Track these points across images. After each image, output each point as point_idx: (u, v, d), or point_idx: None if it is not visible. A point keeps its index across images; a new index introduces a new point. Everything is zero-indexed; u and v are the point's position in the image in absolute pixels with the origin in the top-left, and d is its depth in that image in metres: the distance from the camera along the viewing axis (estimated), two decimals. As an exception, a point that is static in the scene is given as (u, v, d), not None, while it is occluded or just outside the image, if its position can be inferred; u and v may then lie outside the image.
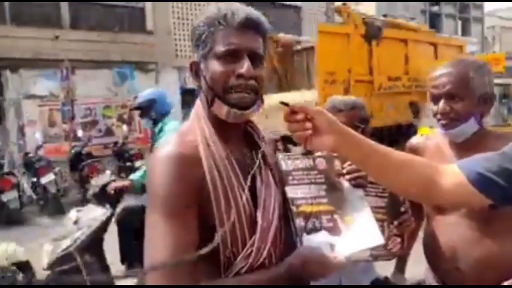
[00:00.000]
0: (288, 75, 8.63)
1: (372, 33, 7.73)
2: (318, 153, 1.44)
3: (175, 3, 12.71)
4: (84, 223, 2.97)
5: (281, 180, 1.23)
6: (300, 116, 1.04)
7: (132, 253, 3.52)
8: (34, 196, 8.20)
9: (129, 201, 3.59)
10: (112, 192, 3.27)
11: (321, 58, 7.24)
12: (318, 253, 1.07)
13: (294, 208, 1.26)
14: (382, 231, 1.38)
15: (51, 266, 2.75)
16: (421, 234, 1.81)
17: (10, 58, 10.04)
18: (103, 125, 11.55)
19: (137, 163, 8.72)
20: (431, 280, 1.68)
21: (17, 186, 7.61)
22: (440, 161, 1.37)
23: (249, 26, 1.07)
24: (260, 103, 1.12)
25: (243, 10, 1.07)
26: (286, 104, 1.06)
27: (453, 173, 1.11)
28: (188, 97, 11.70)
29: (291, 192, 1.30)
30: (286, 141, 3.01)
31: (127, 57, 11.63)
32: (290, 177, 1.38)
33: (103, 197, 3.25)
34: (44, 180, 7.99)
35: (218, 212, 1.03)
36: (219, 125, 1.11)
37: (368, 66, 7.83)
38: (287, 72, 8.64)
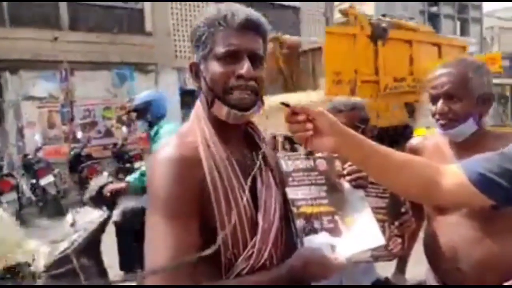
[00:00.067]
0: (294, 76, 8.76)
1: (378, 34, 7.82)
2: (319, 154, 1.44)
3: (174, 4, 12.71)
4: (81, 226, 2.97)
5: (282, 181, 1.23)
6: (301, 117, 1.05)
7: (132, 257, 3.49)
8: (33, 198, 8.17)
9: (127, 203, 3.58)
10: (108, 194, 3.25)
11: (328, 59, 7.35)
12: (319, 254, 1.07)
13: (294, 209, 1.26)
14: (383, 232, 1.38)
15: (48, 269, 2.75)
16: (421, 234, 1.81)
17: (9, 59, 10.03)
18: (103, 127, 11.54)
19: (137, 164, 8.71)
20: (431, 280, 1.68)
21: (16, 188, 7.58)
22: (440, 161, 1.37)
23: (249, 27, 1.07)
24: (260, 104, 1.11)
25: (243, 11, 1.07)
26: (287, 105, 1.06)
27: (454, 174, 1.11)
28: (187, 98, 11.70)
29: (292, 193, 1.30)
30: (292, 142, 3.03)
31: (126, 58, 11.62)
32: (291, 178, 1.38)
33: (100, 199, 3.23)
34: (43, 181, 7.97)
35: (219, 214, 1.02)
36: (219, 126, 1.11)
37: (374, 67, 7.90)
38: (293, 73, 8.77)
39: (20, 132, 10.38)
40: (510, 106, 8.55)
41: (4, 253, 2.79)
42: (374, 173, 1.19)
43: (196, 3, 12.69)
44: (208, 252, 0.92)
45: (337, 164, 1.44)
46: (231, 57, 1.05)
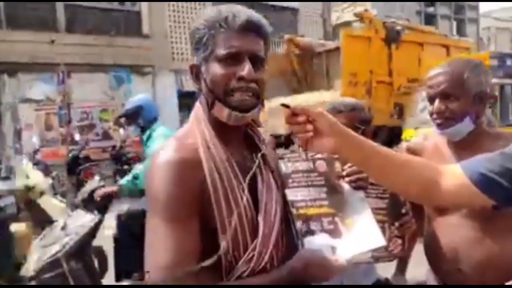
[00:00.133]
0: (308, 77, 9.04)
1: (392, 36, 8.10)
2: (318, 155, 1.43)
3: (171, 6, 12.72)
4: (72, 230, 2.95)
5: (283, 183, 1.23)
6: (301, 118, 1.04)
7: (129, 260, 3.45)
8: (31, 201, 8.14)
9: (122, 206, 3.55)
10: (99, 199, 3.22)
11: (345, 60, 7.61)
12: (320, 256, 1.07)
13: (294, 211, 1.25)
14: (383, 233, 1.38)
15: (38, 273, 2.73)
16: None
17: (7, 62, 10.03)
18: (100, 129, 11.54)
19: (136, 167, 8.69)
20: (432, 281, 1.67)
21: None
22: (439, 161, 1.37)
23: (250, 28, 1.06)
24: (261, 107, 1.11)
25: (244, 13, 1.06)
26: (287, 106, 1.05)
27: (454, 174, 1.11)
28: (185, 100, 11.71)
29: (291, 194, 1.30)
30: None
31: (123, 60, 11.62)
32: (290, 180, 1.37)
33: (91, 203, 3.21)
34: (41, 184, 7.94)
35: (219, 216, 1.02)
36: (220, 128, 1.10)
37: (387, 68, 8.15)
38: (307, 75, 9.05)
39: (17, 134, 10.37)
40: (499, 107, 8.60)
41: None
42: (374, 174, 1.18)
43: (193, 5, 12.69)
44: (209, 262, 0.93)
45: (337, 165, 1.44)
46: (232, 59, 1.04)
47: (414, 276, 2.04)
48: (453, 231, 1.52)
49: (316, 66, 8.99)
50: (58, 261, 2.74)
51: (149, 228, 1.01)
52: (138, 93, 4.08)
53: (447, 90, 1.51)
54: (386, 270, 1.94)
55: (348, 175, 1.41)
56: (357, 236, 1.25)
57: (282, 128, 6.63)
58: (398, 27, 8.25)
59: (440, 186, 1.11)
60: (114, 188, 3.36)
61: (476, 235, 1.48)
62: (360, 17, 8.17)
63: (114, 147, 10.56)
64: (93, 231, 3.04)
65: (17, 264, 3.06)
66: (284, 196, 1.22)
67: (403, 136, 6.58)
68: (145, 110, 3.58)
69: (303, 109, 1.04)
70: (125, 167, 9.44)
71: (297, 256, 1.08)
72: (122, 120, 4.16)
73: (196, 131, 1.10)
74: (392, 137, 7.27)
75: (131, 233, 3.30)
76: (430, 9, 20.25)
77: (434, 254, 1.62)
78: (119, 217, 3.61)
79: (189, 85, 11.99)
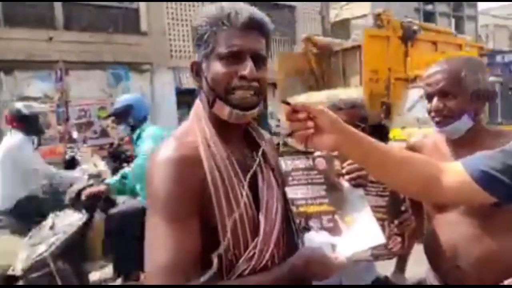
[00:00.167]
0: (325, 76, 9.42)
1: (408, 35, 8.60)
2: (318, 153, 1.43)
3: (169, 3, 12.69)
4: (60, 229, 2.94)
5: (283, 181, 1.22)
6: (302, 115, 1.03)
7: (123, 258, 3.42)
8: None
9: (120, 206, 3.52)
10: (84, 198, 3.19)
11: (367, 58, 8.17)
12: (320, 253, 1.07)
13: (294, 209, 1.25)
14: (383, 231, 1.38)
15: (25, 272, 2.72)
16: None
17: (4, 60, 10.00)
18: (98, 127, 11.49)
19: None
20: (432, 279, 1.67)
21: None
22: (438, 158, 1.37)
23: (253, 26, 1.05)
24: (261, 105, 1.10)
25: (247, 10, 1.05)
26: (287, 103, 1.05)
27: (455, 171, 1.11)
28: (183, 97, 11.69)
29: (291, 192, 1.30)
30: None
31: (121, 58, 11.59)
32: (290, 178, 1.37)
33: (79, 202, 3.19)
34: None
35: (219, 214, 1.01)
36: (220, 126, 1.09)
37: (404, 65, 8.47)
38: (324, 73, 9.43)
39: (15, 132, 10.32)
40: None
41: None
42: (374, 171, 1.18)
43: (191, 2, 12.66)
44: (209, 275, 0.94)
45: (336, 163, 1.44)
46: (234, 57, 1.03)
47: (413, 274, 2.03)
48: (452, 228, 1.53)
49: (333, 64, 9.35)
50: (45, 261, 2.73)
51: (149, 227, 1.00)
52: (136, 91, 4.07)
53: (445, 88, 1.51)
54: (386, 268, 1.95)
55: (348, 172, 1.41)
56: (357, 234, 1.25)
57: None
58: (415, 27, 8.72)
59: (441, 183, 1.11)
60: (101, 187, 3.31)
61: (475, 232, 1.48)
62: (379, 18, 8.53)
63: (111, 144, 10.53)
64: (82, 230, 3.03)
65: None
66: (284, 194, 1.21)
67: (390, 135, 6.62)
68: (135, 109, 3.56)
69: (303, 106, 1.03)
70: (124, 165, 9.41)
71: (298, 254, 1.08)
72: (111, 119, 4.13)
73: (196, 129, 1.09)
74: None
75: (122, 232, 3.26)
76: (429, 7, 20.26)
77: (433, 251, 1.62)
78: (110, 217, 3.55)
79: (188, 83, 11.99)
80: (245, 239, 1.03)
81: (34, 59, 10.29)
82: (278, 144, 6.31)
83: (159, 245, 0.96)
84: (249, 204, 1.05)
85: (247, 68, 1.02)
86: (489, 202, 1.09)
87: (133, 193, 3.52)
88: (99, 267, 3.47)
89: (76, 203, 3.19)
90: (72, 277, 2.84)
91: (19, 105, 3.92)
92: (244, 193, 1.05)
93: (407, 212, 1.58)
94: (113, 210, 3.43)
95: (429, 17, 19.61)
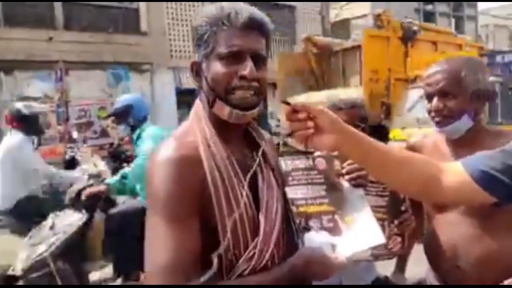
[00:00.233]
0: (325, 76, 9.44)
1: (408, 36, 8.60)
2: (317, 153, 1.43)
3: (169, 3, 12.69)
4: (60, 229, 2.94)
5: (283, 181, 1.22)
6: (302, 115, 1.03)
7: (123, 258, 3.42)
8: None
9: (120, 206, 3.52)
10: (84, 198, 3.19)
11: (367, 59, 8.19)
12: (320, 253, 1.07)
13: (294, 209, 1.25)
14: (383, 230, 1.38)
15: (25, 272, 2.72)
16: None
17: (4, 60, 9.99)
18: (98, 127, 11.48)
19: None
20: (432, 279, 1.67)
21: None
22: (438, 158, 1.37)
23: (253, 26, 1.05)
24: (261, 105, 1.10)
25: (247, 10, 1.05)
26: (287, 103, 1.04)
27: (455, 171, 1.11)
28: (183, 97, 11.69)
29: (291, 192, 1.30)
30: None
31: (121, 58, 11.59)
32: (290, 178, 1.37)
33: (79, 202, 3.19)
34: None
35: (219, 214, 1.01)
36: (220, 126, 1.09)
37: (404, 65, 8.49)
38: (324, 73, 9.46)
39: (15, 132, 10.32)
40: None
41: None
42: (374, 171, 1.18)
43: (191, 2, 12.66)
44: (210, 273, 0.94)
45: (336, 163, 1.43)
46: (234, 57, 1.03)
47: (413, 274, 2.03)
48: (452, 228, 1.53)
49: (333, 64, 9.39)
50: (45, 261, 2.73)
51: (149, 227, 1.00)
52: (136, 91, 4.07)
53: (445, 88, 1.51)
54: (386, 268, 1.95)
55: (347, 172, 1.41)
56: (357, 234, 1.25)
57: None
58: (415, 27, 8.73)
59: (441, 183, 1.11)
60: (101, 187, 3.31)
61: (475, 232, 1.48)
62: (379, 19, 8.54)
63: (111, 144, 10.53)
64: (82, 230, 3.03)
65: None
66: (284, 194, 1.21)
67: (390, 136, 6.63)
68: (135, 109, 3.56)
69: (303, 106, 1.03)
70: (124, 164, 9.41)
71: (298, 253, 1.08)
72: (111, 119, 4.13)
73: (196, 129, 1.09)
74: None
75: (122, 232, 3.26)
76: (429, 7, 20.26)
77: (433, 251, 1.62)
78: (110, 218, 3.54)
79: (188, 83, 11.99)
80: (245, 239, 1.03)
81: (34, 59, 10.29)
82: (278, 144, 6.29)
83: (159, 245, 0.96)
84: (249, 204, 1.05)
85: (247, 68, 1.02)
86: (489, 202, 1.09)
87: (133, 193, 3.52)
88: (99, 267, 3.47)
89: (76, 203, 3.19)
90: (72, 277, 2.84)
91: (19, 105, 3.90)
92: (244, 193, 1.05)
93: (407, 212, 1.58)
94: (113, 210, 3.43)
95: (429, 17, 19.61)
